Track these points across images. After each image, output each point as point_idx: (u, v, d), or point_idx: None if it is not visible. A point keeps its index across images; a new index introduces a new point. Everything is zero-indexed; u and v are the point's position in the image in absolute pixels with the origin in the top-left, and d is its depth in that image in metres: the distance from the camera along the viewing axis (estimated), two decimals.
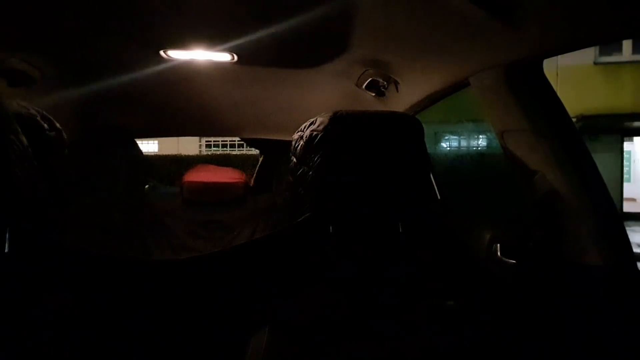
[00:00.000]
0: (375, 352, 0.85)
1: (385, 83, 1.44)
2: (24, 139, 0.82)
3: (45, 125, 0.97)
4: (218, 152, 15.16)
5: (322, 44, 1.30)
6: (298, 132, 1.04)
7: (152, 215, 2.05)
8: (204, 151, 16.09)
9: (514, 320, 0.96)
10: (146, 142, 12.41)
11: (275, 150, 2.69)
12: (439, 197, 1.60)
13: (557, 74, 7.72)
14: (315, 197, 0.98)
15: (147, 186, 2.50)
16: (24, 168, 0.80)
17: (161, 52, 1.32)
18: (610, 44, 7.82)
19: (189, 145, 14.03)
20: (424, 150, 1.01)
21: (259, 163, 2.88)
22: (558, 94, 0.99)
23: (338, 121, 0.94)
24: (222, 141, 16.25)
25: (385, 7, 1.04)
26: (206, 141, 16.38)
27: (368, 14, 1.08)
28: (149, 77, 1.47)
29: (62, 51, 1.33)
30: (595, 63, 8.68)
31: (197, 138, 15.23)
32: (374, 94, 1.51)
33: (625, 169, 10.27)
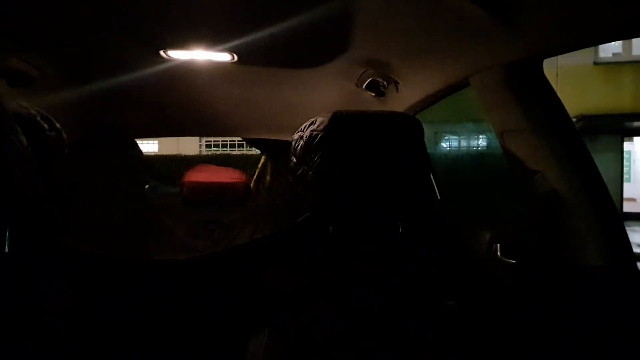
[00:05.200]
0: (375, 352, 0.85)
1: (385, 83, 1.44)
2: (24, 139, 0.82)
3: (45, 125, 0.97)
4: (218, 152, 15.16)
5: (322, 44, 1.30)
6: (298, 132, 1.04)
7: (152, 215, 2.05)
8: (204, 151, 16.08)
9: (514, 320, 0.96)
10: (146, 142, 12.40)
11: (275, 150, 2.69)
12: (439, 197, 1.60)
13: (557, 74, 7.71)
14: (315, 197, 0.98)
15: (147, 186, 2.50)
16: (24, 168, 0.80)
17: (161, 52, 1.32)
18: (610, 44, 7.82)
19: (189, 145, 14.02)
20: (424, 150, 1.01)
21: (260, 163, 2.89)
22: (558, 94, 0.99)
23: (338, 121, 0.94)
24: (222, 141, 16.24)
25: (385, 7, 1.03)
26: (206, 141, 16.37)
27: (368, 14, 1.08)
28: (149, 77, 1.47)
29: (62, 51, 1.33)
30: (595, 63, 8.67)
31: (197, 138, 15.21)
32: (374, 94, 1.51)
33: (625, 169, 10.27)
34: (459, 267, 1.09)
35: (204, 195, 2.22)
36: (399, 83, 1.42)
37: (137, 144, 2.00)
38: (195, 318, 1.14)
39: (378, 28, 1.15)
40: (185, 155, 11.38)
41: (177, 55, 1.34)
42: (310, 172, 0.96)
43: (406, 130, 0.99)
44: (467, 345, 0.87)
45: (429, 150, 1.11)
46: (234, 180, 2.31)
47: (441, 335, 0.88)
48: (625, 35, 0.88)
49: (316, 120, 0.98)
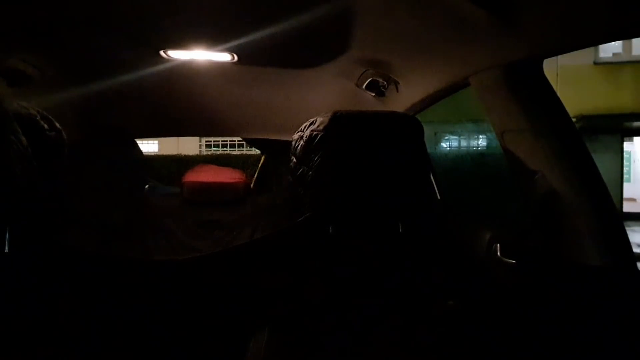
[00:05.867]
0: (375, 351, 0.85)
1: (385, 83, 1.44)
2: (24, 139, 0.81)
3: (45, 126, 0.96)
4: (218, 152, 15.15)
5: (322, 44, 1.30)
6: (298, 132, 1.04)
7: (152, 215, 2.05)
8: (204, 151, 16.06)
9: (513, 320, 0.96)
10: (146, 142, 12.40)
11: (275, 150, 2.70)
12: (439, 197, 1.60)
13: (557, 74, 7.71)
14: (315, 197, 0.98)
15: (147, 186, 2.50)
16: (24, 168, 0.80)
17: (161, 52, 1.32)
18: (610, 44, 7.82)
19: (189, 145, 14.00)
20: (423, 150, 1.01)
21: (260, 163, 2.88)
22: (558, 94, 0.99)
23: (338, 121, 0.94)
24: (222, 141, 16.23)
25: (385, 7, 1.04)
26: (206, 141, 16.36)
27: (368, 14, 1.08)
28: (149, 77, 1.47)
29: (62, 51, 1.33)
30: (595, 63, 8.67)
31: (197, 138, 15.20)
32: (374, 94, 1.51)
33: (625, 169, 10.27)
34: (458, 266, 1.09)
35: (204, 195, 2.22)
36: (399, 83, 1.42)
37: (137, 144, 2.00)
38: (195, 318, 1.14)
39: (378, 28, 1.15)
40: (185, 155, 11.38)
41: (177, 55, 1.34)
42: (310, 172, 0.96)
43: (406, 130, 0.99)
44: (467, 345, 0.87)
45: (429, 150, 1.11)
46: (234, 180, 2.30)
47: (441, 334, 0.88)
48: (625, 35, 0.88)
49: (316, 120, 0.98)
